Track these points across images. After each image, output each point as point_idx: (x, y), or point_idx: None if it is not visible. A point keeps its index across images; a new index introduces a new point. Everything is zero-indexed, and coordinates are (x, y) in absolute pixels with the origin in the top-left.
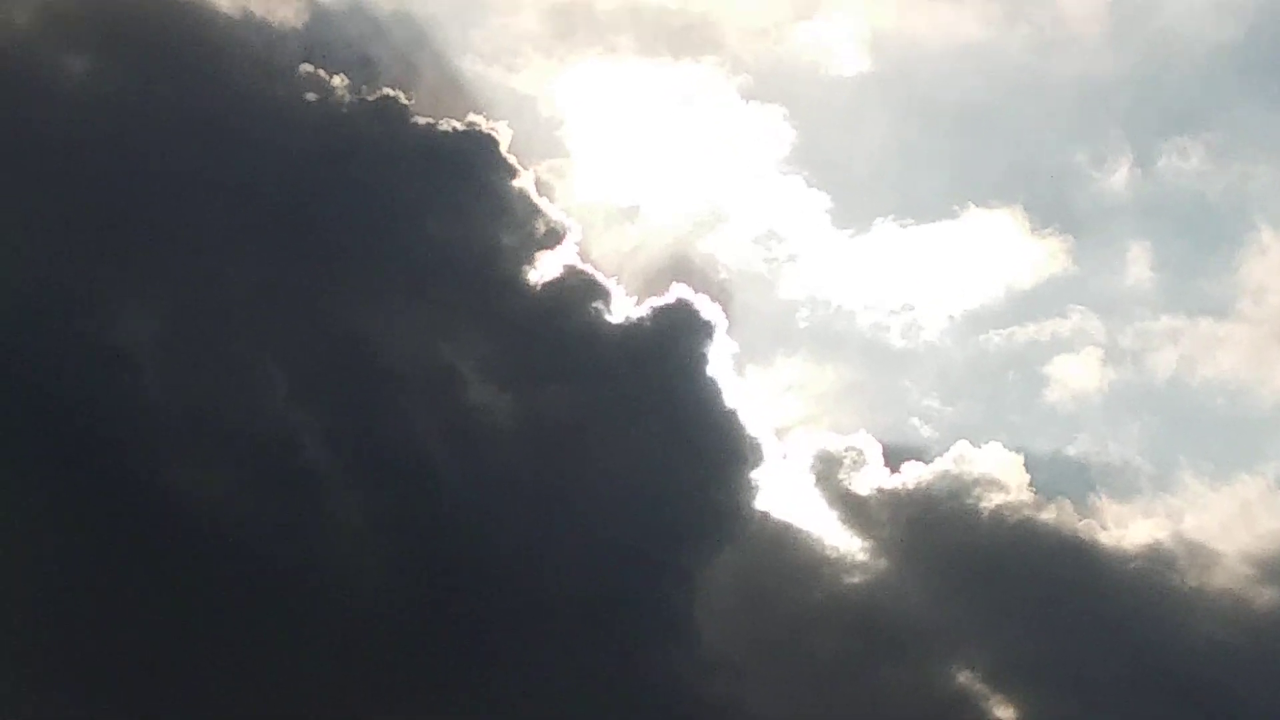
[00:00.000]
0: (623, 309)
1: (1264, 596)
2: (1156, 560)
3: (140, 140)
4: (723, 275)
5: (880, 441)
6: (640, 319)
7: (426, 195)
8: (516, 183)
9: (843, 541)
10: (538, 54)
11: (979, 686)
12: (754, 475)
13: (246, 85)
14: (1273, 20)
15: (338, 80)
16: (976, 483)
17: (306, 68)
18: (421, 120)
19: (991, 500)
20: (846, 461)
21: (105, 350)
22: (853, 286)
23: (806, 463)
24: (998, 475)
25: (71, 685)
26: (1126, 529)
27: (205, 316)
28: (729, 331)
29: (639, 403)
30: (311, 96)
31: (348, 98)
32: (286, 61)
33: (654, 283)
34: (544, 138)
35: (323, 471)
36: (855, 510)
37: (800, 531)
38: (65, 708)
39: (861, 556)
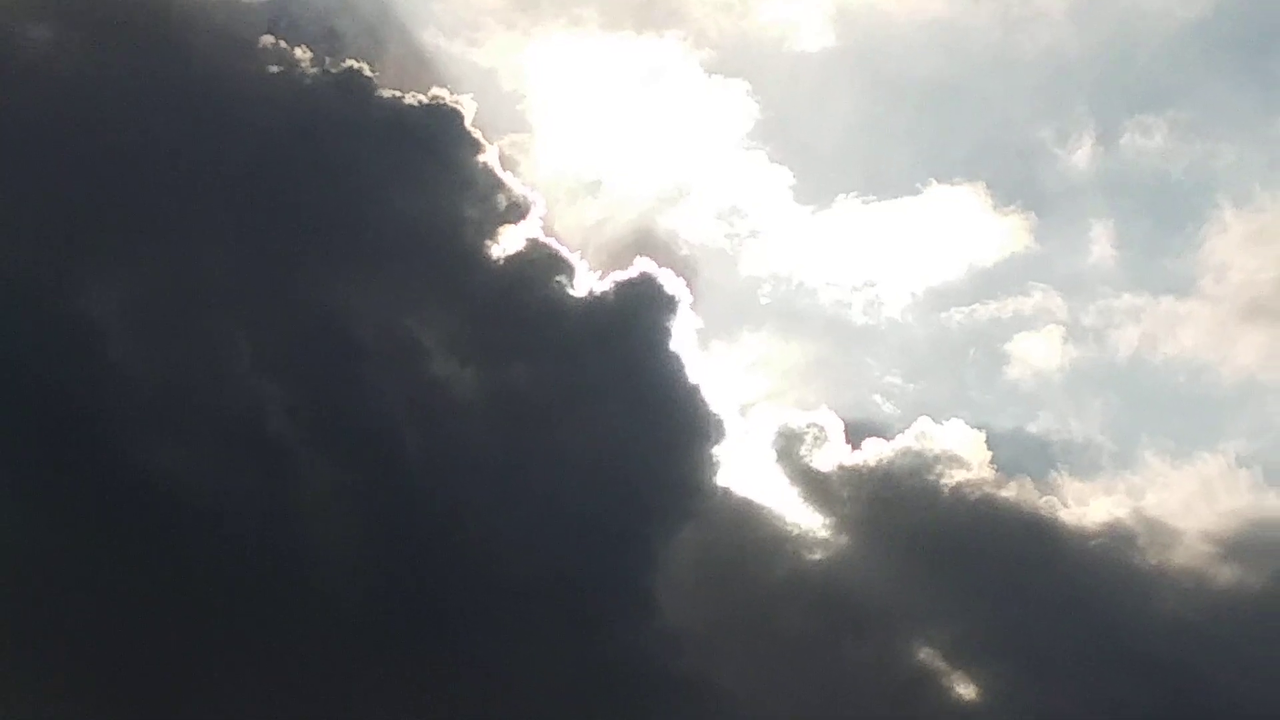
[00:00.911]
0: (586, 283)
1: (1224, 574)
2: (1117, 538)
3: (102, 112)
4: (685, 251)
5: (842, 418)
6: (604, 293)
7: (391, 169)
8: (481, 157)
9: (804, 518)
10: (500, 27)
11: (939, 664)
12: (716, 451)
13: (208, 56)
14: None
15: (300, 52)
16: (938, 460)
17: (268, 39)
18: (386, 94)
19: (953, 477)
20: (808, 438)
21: (71, 324)
22: (815, 263)
23: (768, 439)
24: (959, 452)
25: (33, 656)
26: (1087, 506)
27: (170, 290)
28: (692, 307)
29: (602, 377)
30: (274, 69)
31: (311, 70)
32: (249, 33)
33: (617, 258)
34: (506, 112)
35: (288, 444)
36: (817, 487)
37: (762, 508)
38: (27, 679)
39: (823, 533)
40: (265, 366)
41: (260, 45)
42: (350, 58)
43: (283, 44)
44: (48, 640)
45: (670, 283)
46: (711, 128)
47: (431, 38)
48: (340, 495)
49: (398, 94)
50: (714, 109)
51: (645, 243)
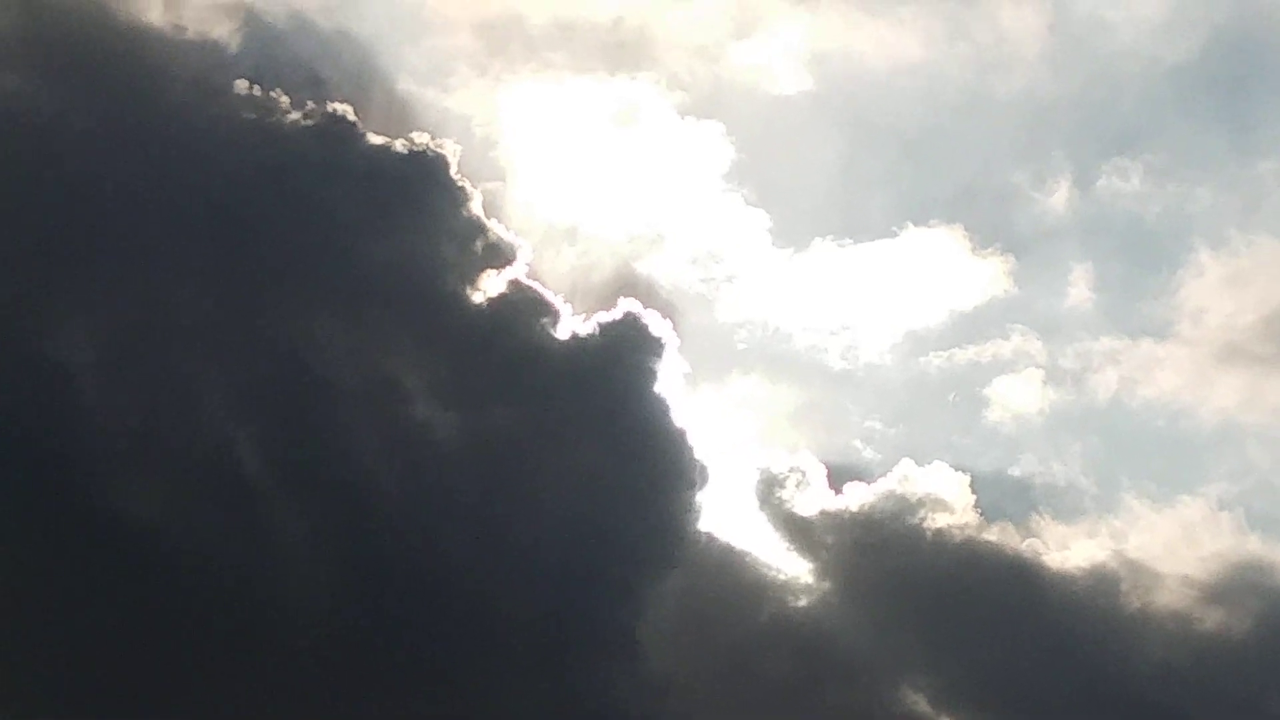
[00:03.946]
0: (569, 326)
1: (1208, 618)
2: (1101, 581)
3: (74, 156)
4: (661, 295)
5: (823, 462)
6: (588, 335)
7: (375, 214)
8: (467, 202)
9: (787, 564)
10: (472, 72)
11: (925, 709)
12: (698, 497)
13: (181, 101)
14: (1211, 41)
15: (276, 96)
16: (921, 503)
17: (242, 84)
18: (373, 139)
19: (935, 521)
20: (790, 482)
21: (44, 366)
22: (793, 307)
23: (750, 484)
24: (942, 495)
25: (3, 700)
26: (1070, 550)
27: (145, 333)
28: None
29: (586, 421)
30: (249, 114)
31: (291, 114)
32: (223, 78)
33: (594, 303)
34: (479, 159)
35: (265, 489)
36: (799, 532)
37: (744, 553)
38: None
39: (806, 579)
40: (242, 410)
41: (234, 90)
42: (327, 102)
43: (257, 90)
44: (18, 682)
45: (655, 323)
46: (687, 170)
47: (404, 84)
48: (318, 539)
49: (385, 139)
50: (689, 151)
51: (621, 288)
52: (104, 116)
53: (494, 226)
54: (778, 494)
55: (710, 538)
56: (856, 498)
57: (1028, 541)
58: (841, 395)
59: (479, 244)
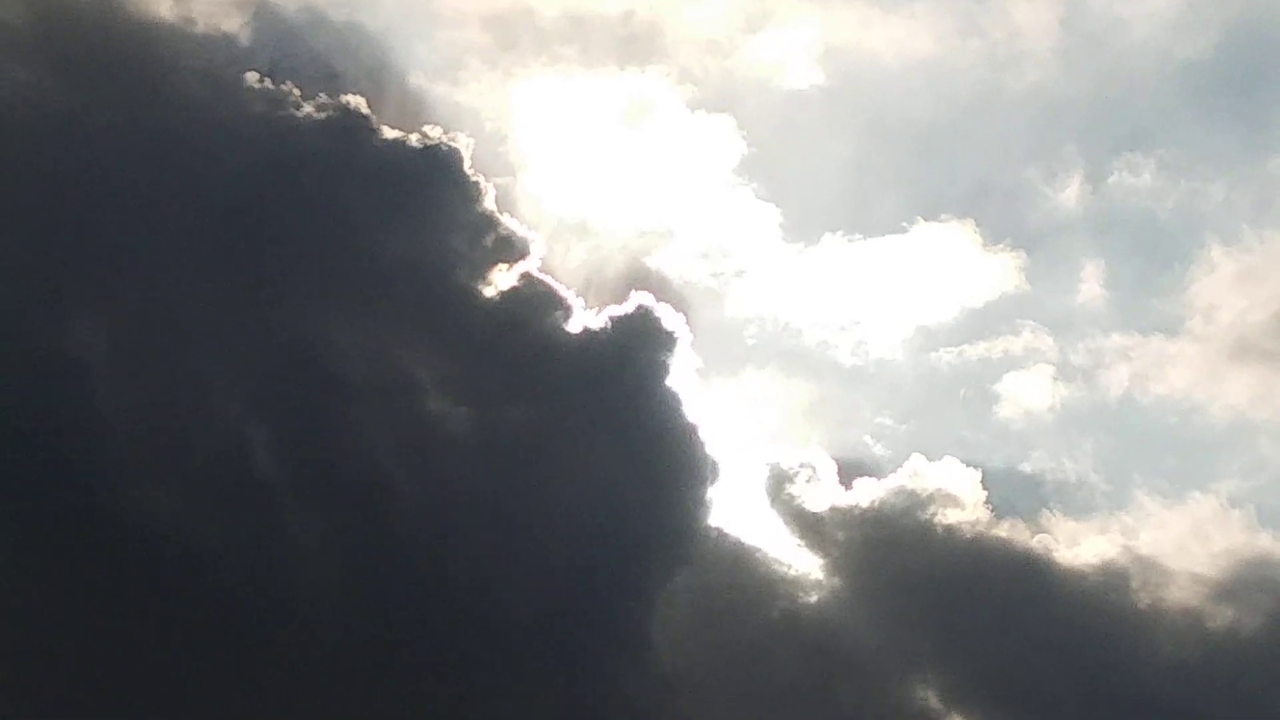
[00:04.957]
0: (581, 320)
1: (1219, 614)
2: (1111, 578)
3: (85, 151)
4: (672, 290)
5: (833, 458)
6: (600, 329)
7: (389, 208)
8: (480, 196)
9: (797, 560)
10: (483, 66)
11: (935, 705)
12: (709, 492)
13: (192, 95)
14: (1223, 38)
15: (287, 89)
16: (931, 499)
17: (252, 77)
18: (387, 132)
19: (946, 517)
20: (800, 478)
21: (57, 363)
22: (804, 302)
23: (760, 480)
24: (953, 491)
25: (13, 700)
26: (1080, 546)
27: (157, 328)
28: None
29: (598, 416)
30: (261, 108)
31: (305, 107)
32: (233, 71)
33: (606, 297)
34: (490, 153)
35: (278, 485)
36: (810, 528)
37: (755, 549)
38: None
39: (816, 575)
40: (256, 406)
41: (244, 83)
42: (340, 95)
43: (268, 83)
44: (29, 682)
45: (668, 317)
46: (698, 164)
47: (414, 78)
48: (330, 536)
49: (397, 133)
50: (700, 145)
51: (637, 280)
52: (114, 111)
53: (507, 221)
54: (788, 490)
55: (720, 533)
56: (867, 493)
57: (1038, 537)
58: (852, 391)
59: (491, 238)
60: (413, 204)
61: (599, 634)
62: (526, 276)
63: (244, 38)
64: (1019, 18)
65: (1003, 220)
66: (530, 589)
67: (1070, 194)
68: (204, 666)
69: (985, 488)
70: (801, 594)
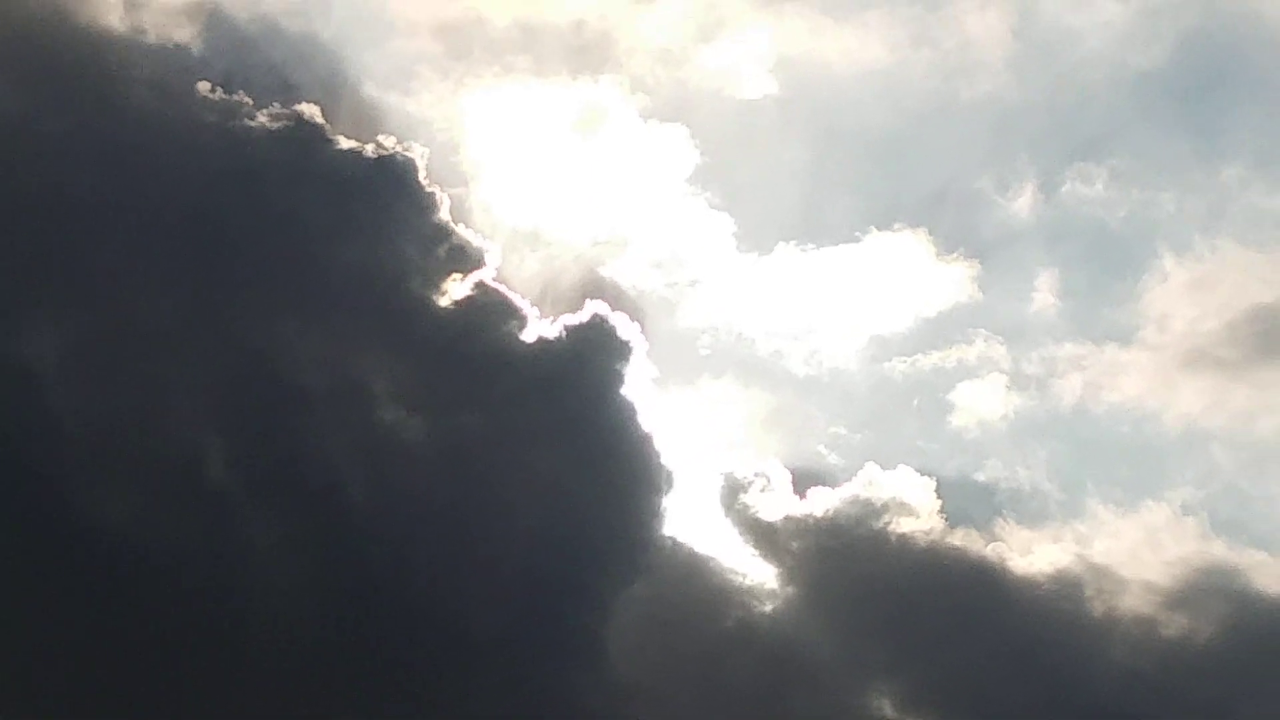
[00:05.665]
0: (535, 330)
1: (1172, 622)
2: (1065, 586)
3: (37, 159)
4: (626, 300)
5: (788, 468)
6: (555, 338)
7: (343, 217)
8: (435, 206)
9: (752, 569)
10: (435, 76)
11: (890, 713)
12: (663, 502)
13: (144, 104)
14: (1175, 48)
15: (239, 98)
16: (886, 507)
17: (204, 86)
18: (341, 141)
19: (900, 526)
20: (754, 488)
21: (11, 371)
22: (757, 311)
23: (714, 489)
24: (907, 500)
25: None
26: (1034, 555)
27: (111, 336)
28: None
29: (552, 425)
30: (213, 117)
31: (259, 117)
32: (184, 81)
33: (559, 307)
34: (442, 163)
35: (233, 492)
36: (764, 537)
37: (709, 559)
38: None
39: (771, 584)
40: (208, 413)
41: (198, 93)
42: (293, 103)
43: (220, 92)
44: None
45: (623, 326)
46: (651, 174)
47: (368, 88)
48: (285, 544)
49: (352, 143)
50: (653, 155)
51: (591, 290)
52: (65, 121)
53: (461, 231)
54: (742, 499)
55: (675, 543)
56: (821, 503)
57: (992, 546)
58: (806, 400)
59: (445, 248)
60: (367, 214)
61: (554, 642)
62: (481, 286)
63: (196, 48)
64: (971, 27)
65: (956, 229)
66: (485, 598)
67: (1023, 203)
68: (160, 672)
69: (939, 497)
70: (756, 603)
